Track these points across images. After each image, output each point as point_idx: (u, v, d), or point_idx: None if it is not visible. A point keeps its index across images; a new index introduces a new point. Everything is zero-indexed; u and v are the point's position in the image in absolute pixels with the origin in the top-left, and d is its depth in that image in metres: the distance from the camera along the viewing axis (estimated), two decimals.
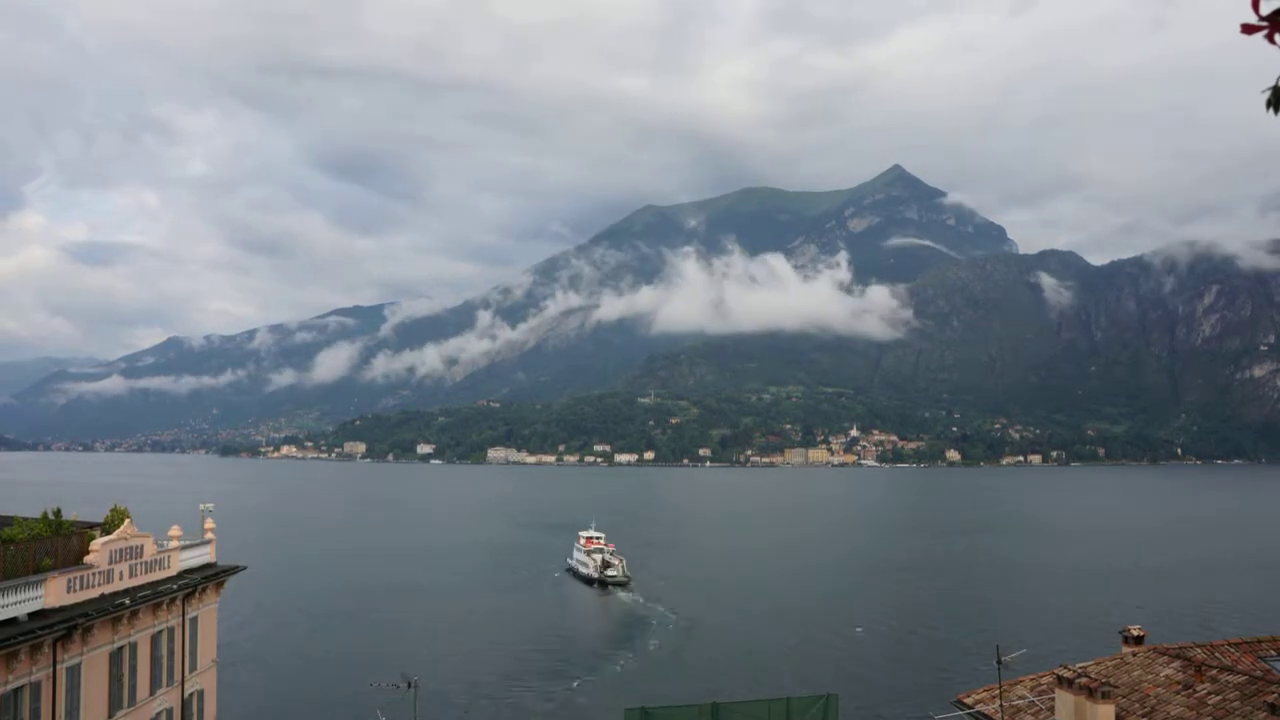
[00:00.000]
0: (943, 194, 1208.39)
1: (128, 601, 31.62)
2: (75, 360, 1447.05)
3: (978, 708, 29.75)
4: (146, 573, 34.17)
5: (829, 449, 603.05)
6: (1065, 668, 27.37)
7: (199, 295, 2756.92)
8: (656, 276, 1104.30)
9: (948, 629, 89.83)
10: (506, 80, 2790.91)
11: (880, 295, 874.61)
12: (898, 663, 76.57)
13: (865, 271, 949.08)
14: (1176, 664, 28.37)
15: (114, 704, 31.57)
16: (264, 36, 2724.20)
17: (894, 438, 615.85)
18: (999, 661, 29.80)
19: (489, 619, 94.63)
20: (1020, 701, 28.79)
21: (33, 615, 27.35)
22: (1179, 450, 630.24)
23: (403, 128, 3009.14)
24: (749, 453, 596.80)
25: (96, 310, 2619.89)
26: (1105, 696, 25.09)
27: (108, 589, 31.41)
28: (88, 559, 30.98)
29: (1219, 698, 25.38)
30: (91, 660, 30.25)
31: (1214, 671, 26.97)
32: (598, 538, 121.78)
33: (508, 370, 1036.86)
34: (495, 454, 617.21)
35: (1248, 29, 4.31)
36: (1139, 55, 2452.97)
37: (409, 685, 37.20)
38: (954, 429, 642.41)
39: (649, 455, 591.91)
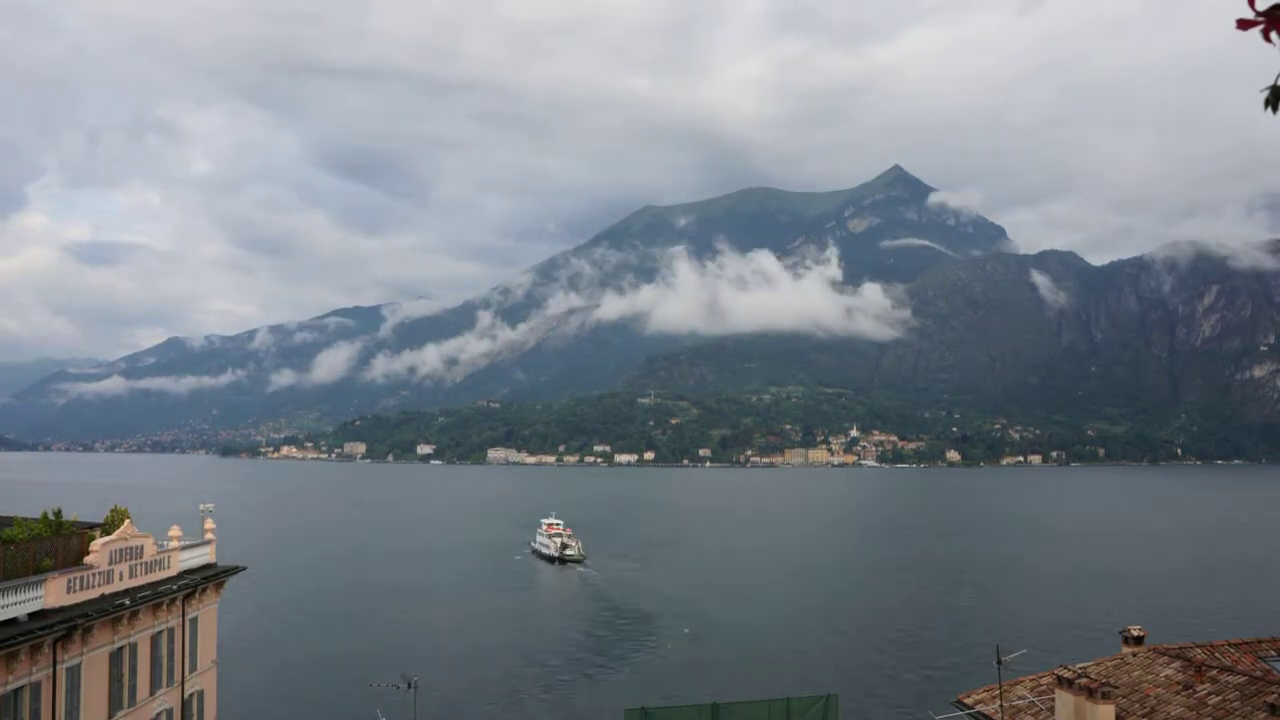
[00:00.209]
0: (943, 194, 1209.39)
1: (128, 602, 31.60)
2: (75, 360, 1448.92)
3: (978, 708, 29.75)
4: (146, 573, 34.16)
5: (829, 449, 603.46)
6: (1065, 668, 27.36)
7: (200, 295, 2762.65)
8: (655, 277, 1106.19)
9: (948, 629, 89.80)
10: (513, 80, 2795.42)
11: (874, 294, 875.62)
12: (898, 663, 76.53)
13: (865, 271, 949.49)
14: (1176, 664, 28.37)
15: (114, 704, 31.55)
16: (270, 35, 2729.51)
17: (894, 438, 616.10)
18: (999, 662, 29.77)
19: (489, 619, 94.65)
20: (1020, 702, 28.78)
21: (33, 615, 27.33)
22: (1179, 451, 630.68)
23: (409, 127, 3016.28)
24: (749, 453, 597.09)
25: (97, 310, 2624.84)
26: (1105, 697, 25.08)
27: (108, 589, 31.39)
28: (88, 559, 30.97)
29: (1219, 698, 25.38)
30: (91, 660, 30.23)
31: (1214, 672, 26.97)
32: (557, 524, 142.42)
33: (508, 370, 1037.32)
34: (495, 454, 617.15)
35: (1243, 24, 4.31)
36: (1141, 55, 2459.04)
37: (409, 685, 37.18)
38: (954, 429, 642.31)
39: (649, 455, 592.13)
